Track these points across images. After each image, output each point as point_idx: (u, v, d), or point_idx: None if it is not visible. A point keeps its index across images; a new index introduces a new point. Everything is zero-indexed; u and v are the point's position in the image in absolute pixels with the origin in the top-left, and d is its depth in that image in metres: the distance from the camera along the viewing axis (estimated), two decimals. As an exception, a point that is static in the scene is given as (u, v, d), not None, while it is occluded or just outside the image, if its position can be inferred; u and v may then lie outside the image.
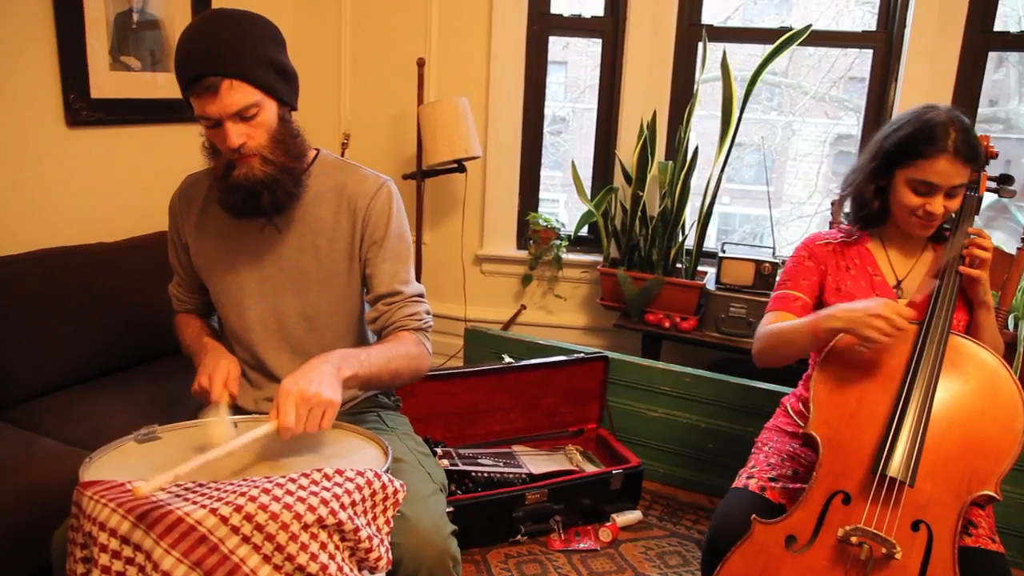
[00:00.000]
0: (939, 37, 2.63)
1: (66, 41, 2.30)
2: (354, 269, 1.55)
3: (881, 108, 2.83)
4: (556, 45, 3.13)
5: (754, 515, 1.47)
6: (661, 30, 2.87)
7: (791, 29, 2.59)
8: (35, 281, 2.10)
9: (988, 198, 1.73)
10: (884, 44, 2.79)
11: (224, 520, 1.02)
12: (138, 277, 2.33)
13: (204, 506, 1.03)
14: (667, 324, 2.76)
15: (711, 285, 2.73)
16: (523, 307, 3.16)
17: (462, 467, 2.24)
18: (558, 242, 3.04)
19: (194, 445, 1.30)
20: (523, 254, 3.13)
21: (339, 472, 1.15)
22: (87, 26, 2.35)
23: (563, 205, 5.08)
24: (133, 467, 1.21)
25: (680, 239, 2.82)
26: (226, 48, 1.33)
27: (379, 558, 1.16)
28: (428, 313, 1.59)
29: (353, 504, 1.13)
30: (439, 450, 2.29)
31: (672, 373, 2.55)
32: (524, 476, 2.30)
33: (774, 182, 5.95)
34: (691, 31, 2.90)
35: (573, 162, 3.00)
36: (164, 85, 2.62)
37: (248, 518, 1.03)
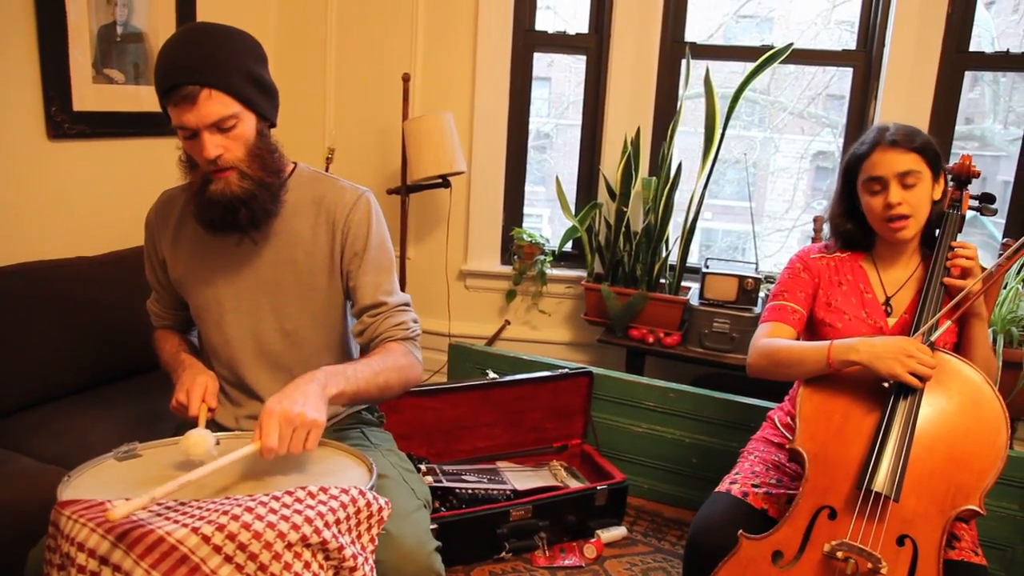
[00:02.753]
0: (917, 56, 2.68)
1: (49, 53, 2.28)
2: (334, 282, 1.53)
3: (861, 126, 2.87)
4: (540, 62, 3.15)
5: (741, 531, 1.47)
6: (645, 47, 2.90)
7: (773, 48, 2.63)
8: (13, 295, 2.07)
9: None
10: (864, 63, 2.83)
11: (206, 539, 1.01)
12: (118, 291, 2.30)
13: (186, 525, 1.02)
14: (651, 339, 2.76)
15: (694, 300, 2.74)
16: (507, 322, 3.15)
17: (446, 484, 2.23)
18: (542, 257, 3.04)
19: (175, 462, 1.29)
20: (507, 269, 3.12)
21: (323, 490, 1.14)
22: (70, 38, 2.33)
23: (547, 220, 5.10)
24: (113, 485, 1.19)
25: (664, 254, 2.84)
26: (206, 58, 1.33)
27: (363, 577, 1.14)
28: (415, 322, 1.58)
29: (337, 522, 1.12)
30: (423, 467, 2.27)
31: (656, 388, 2.55)
32: (508, 492, 2.28)
33: (755, 197, 6.02)
34: (674, 48, 2.93)
35: (557, 178, 3.01)
36: (147, 98, 2.61)
37: (231, 537, 1.02)
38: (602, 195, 2.99)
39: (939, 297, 1.57)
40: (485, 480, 2.32)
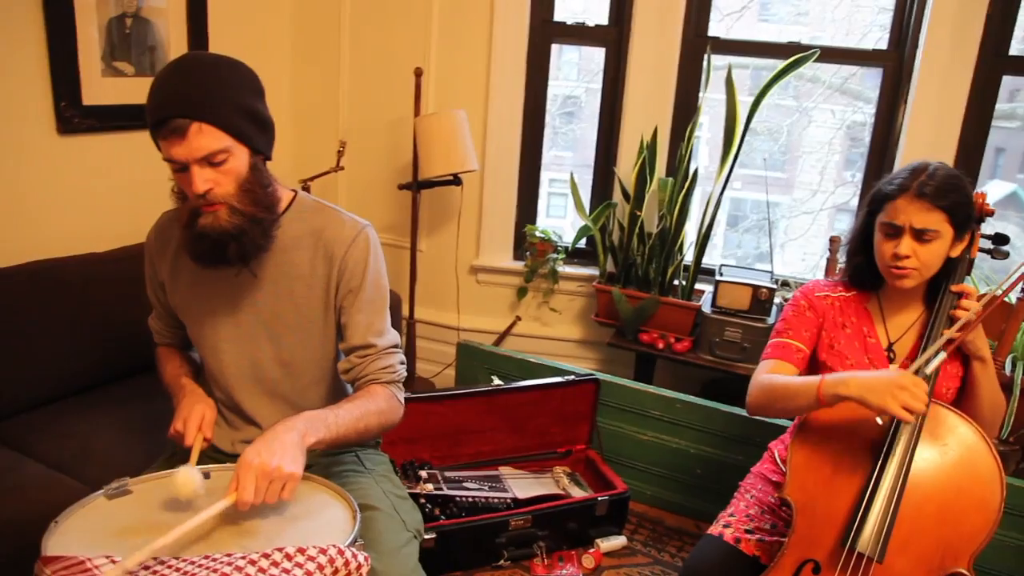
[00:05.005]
0: (952, 59, 2.55)
1: (57, 48, 2.27)
2: (329, 315, 1.53)
3: (889, 129, 2.75)
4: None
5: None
6: (666, 41, 2.80)
7: (798, 44, 2.52)
8: (24, 294, 2.10)
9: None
10: (895, 63, 2.70)
11: (179, 610, 1.03)
12: (128, 287, 2.29)
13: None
14: (661, 345, 2.73)
15: (707, 307, 2.70)
16: (518, 318, 3.14)
17: (447, 491, 2.25)
18: (555, 256, 3.00)
19: (165, 501, 1.31)
20: (519, 265, 3.10)
21: (301, 551, 1.15)
22: (78, 32, 2.32)
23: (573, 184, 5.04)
24: (100, 532, 1.21)
25: (678, 258, 2.78)
26: (197, 91, 1.31)
27: (340, 636, 1.16)
28: (402, 363, 1.58)
29: (314, 585, 1.13)
30: (424, 472, 2.29)
31: (663, 398, 2.53)
32: (509, 501, 2.30)
33: (787, 169, 5.87)
34: (696, 43, 2.83)
35: (572, 176, 2.95)
36: (158, 90, 2.59)
37: (203, 608, 1.03)
38: (617, 194, 2.93)
39: (939, 347, 1.52)
40: (486, 488, 2.34)
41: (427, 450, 2.45)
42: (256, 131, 1.40)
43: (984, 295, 1.52)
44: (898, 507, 1.41)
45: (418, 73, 2.74)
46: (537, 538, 2.29)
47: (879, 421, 1.44)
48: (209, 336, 1.55)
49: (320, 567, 1.15)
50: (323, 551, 1.16)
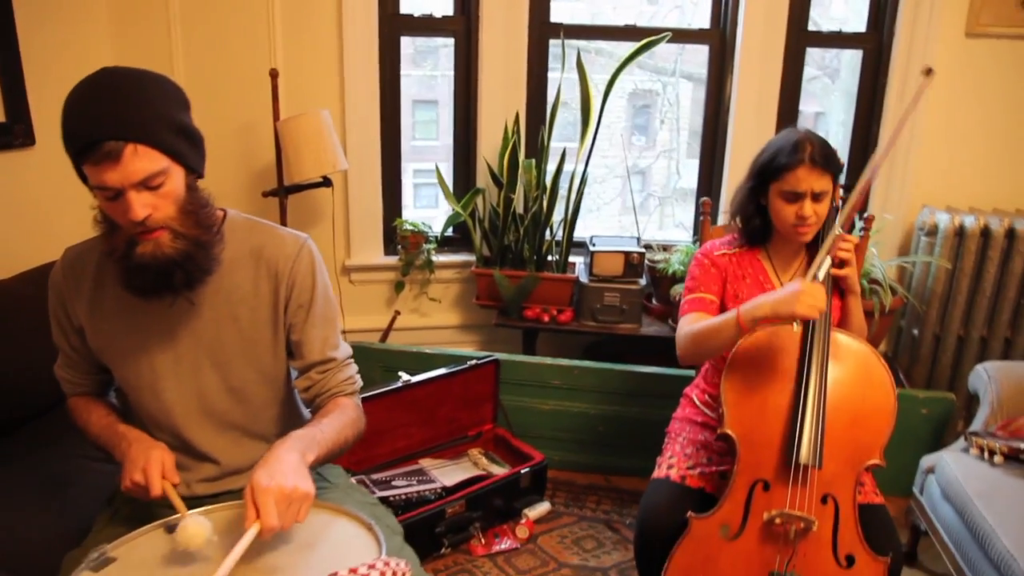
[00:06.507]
0: (766, 35, 2.90)
1: None
2: (279, 335, 1.48)
3: (719, 100, 3.08)
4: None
5: (690, 512, 1.64)
6: (514, 28, 2.90)
7: (635, 26, 2.73)
8: None
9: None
10: (719, 40, 3.02)
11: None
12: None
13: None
14: (546, 318, 2.88)
15: (583, 277, 2.88)
16: (397, 313, 3.13)
17: (379, 494, 2.24)
18: (428, 246, 3.03)
19: (157, 557, 1.22)
20: (392, 260, 3.08)
21: (353, 571, 1.13)
22: None
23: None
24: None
25: (550, 236, 2.93)
26: (129, 110, 1.21)
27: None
28: (358, 374, 1.58)
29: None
30: (352, 480, 2.26)
31: (561, 367, 2.68)
32: (439, 490, 2.34)
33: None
34: (543, 29, 2.96)
35: (437, 166, 2.99)
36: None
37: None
38: (482, 179, 3.01)
39: (829, 284, 1.77)
40: (415, 482, 2.36)
41: (344, 457, 2.39)
42: (189, 148, 1.32)
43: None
44: (824, 418, 1.65)
45: (273, 75, 2.62)
46: (472, 520, 2.35)
47: (795, 327, 1.62)
48: (146, 375, 1.44)
49: (380, 579, 1.14)
50: (372, 566, 1.15)
